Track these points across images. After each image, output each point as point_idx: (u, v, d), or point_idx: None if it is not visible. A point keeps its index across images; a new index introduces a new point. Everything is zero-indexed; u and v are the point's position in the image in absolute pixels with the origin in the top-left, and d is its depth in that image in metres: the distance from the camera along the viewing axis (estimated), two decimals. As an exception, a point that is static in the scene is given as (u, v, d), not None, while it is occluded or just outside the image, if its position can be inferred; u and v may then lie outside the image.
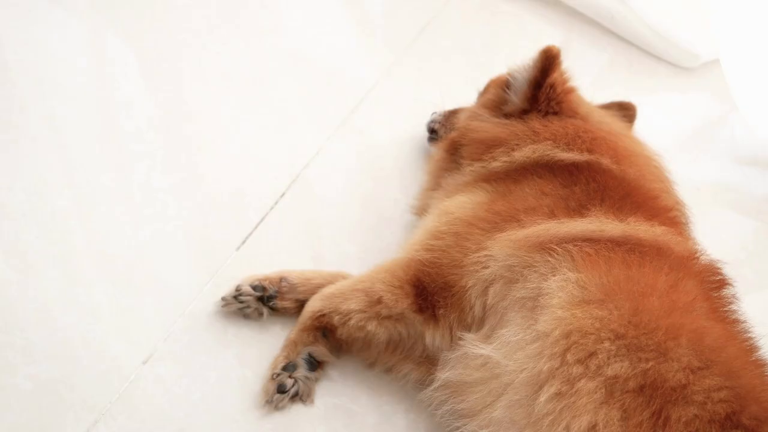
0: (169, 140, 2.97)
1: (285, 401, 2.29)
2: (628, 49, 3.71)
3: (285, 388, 2.28)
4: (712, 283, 2.11)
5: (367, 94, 3.27)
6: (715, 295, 2.09)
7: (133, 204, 2.72)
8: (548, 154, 2.41)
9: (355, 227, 2.79)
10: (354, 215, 2.83)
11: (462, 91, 3.06)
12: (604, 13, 3.74)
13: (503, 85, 2.67)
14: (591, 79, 3.49)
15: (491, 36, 3.65)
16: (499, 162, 2.46)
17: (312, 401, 2.32)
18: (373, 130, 3.15)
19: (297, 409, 2.30)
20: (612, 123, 2.66)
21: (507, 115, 2.61)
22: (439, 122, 2.97)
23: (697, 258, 2.17)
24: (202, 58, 3.30)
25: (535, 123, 2.51)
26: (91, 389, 2.25)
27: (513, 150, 2.46)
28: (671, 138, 3.31)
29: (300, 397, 2.30)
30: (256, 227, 2.72)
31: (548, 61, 2.51)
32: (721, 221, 3.05)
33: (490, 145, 2.52)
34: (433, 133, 2.99)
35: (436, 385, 2.21)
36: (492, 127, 2.58)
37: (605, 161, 2.39)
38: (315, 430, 2.28)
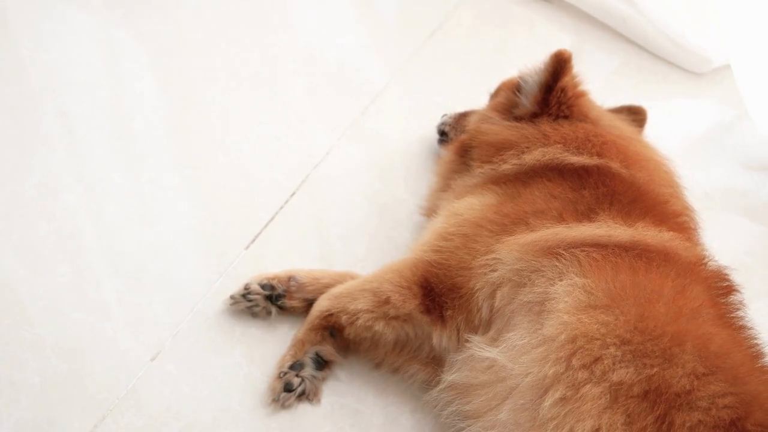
0: (180, 138, 2.98)
1: (291, 400, 2.29)
2: (639, 54, 3.70)
3: (292, 387, 2.29)
4: (720, 289, 2.11)
5: (378, 96, 3.27)
6: (722, 301, 2.08)
7: (143, 201, 2.73)
8: (558, 158, 2.41)
9: (364, 227, 2.79)
10: (363, 215, 2.83)
11: (473, 94, 3.07)
12: (615, 17, 3.73)
13: (514, 88, 2.67)
14: (601, 83, 3.49)
15: (502, 39, 3.65)
16: (508, 165, 2.46)
17: (318, 400, 2.33)
18: (383, 131, 3.15)
19: (303, 408, 2.31)
20: (622, 127, 2.66)
21: (517, 119, 2.60)
22: (450, 125, 2.97)
23: (705, 264, 2.17)
24: (214, 57, 3.30)
25: (546, 126, 2.51)
26: (99, 385, 2.26)
27: (523, 153, 2.46)
28: (681, 143, 3.30)
29: (306, 396, 2.31)
30: (265, 226, 2.73)
31: (559, 64, 2.51)
32: (729, 227, 3.04)
33: (500, 148, 2.52)
34: (443, 136, 2.98)
35: (442, 386, 2.22)
36: (502, 129, 2.57)
37: (615, 165, 2.39)
38: (321, 430, 2.29)
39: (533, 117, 2.57)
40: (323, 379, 2.36)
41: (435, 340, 2.28)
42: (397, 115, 3.22)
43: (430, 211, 2.65)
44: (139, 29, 3.34)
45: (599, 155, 2.41)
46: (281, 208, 2.79)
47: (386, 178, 2.98)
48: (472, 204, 2.40)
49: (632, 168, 2.41)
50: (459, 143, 2.69)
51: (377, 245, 2.74)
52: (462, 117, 2.93)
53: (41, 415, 2.19)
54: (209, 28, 3.43)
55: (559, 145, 2.44)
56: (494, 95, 2.84)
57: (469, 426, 2.09)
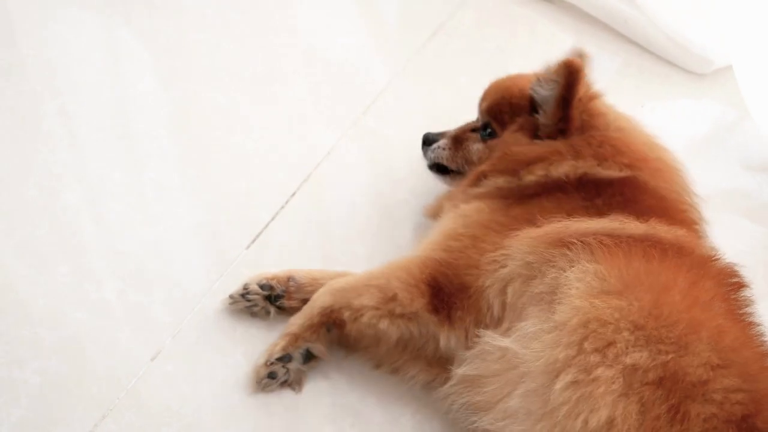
0: (181, 138, 2.98)
1: (273, 386, 2.30)
2: (640, 54, 3.70)
3: (276, 376, 2.30)
4: (730, 285, 2.11)
5: (379, 95, 3.27)
6: (733, 296, 2.08)
7: (144, 201, 2.73)
8: (589, 172, 2.35)
9: (365, 227, 2.79)
10: (364, 215, 2.83)
11: (475, 94, 3.06)
12: (617, 18, 3.73)
13: (527, 105, 2.54)
14: (603, 84, 3.47)
15: (504, 39, 3.65)
16: (533, 176, 2.39)
17: (301, 389, 2.33)
18: (385, 130, 3.15)
19: (304, 408, 2.31)
20: (642, 132, 2.59)
21: (545, 137, 2.49)
22: (447, 158, 2.73)
23: (717, 260, 2.17)
24: (216, 56, 3.30)
25: (575, 140, 2.42)
26: (99, 385, 2.26)
27: (551, 165, 2.39)
28: (683, 144, 3.29)
29: (289, 384, 2.32)
30: (266, 226, 2.72)
31: (572, 76, 2.40)
32: (731, 227, 3.03)
33: (529, 162, 2.43)
34: (441, 169, 2.78)
35: (452, 381, 2.21)
36: (534, 147, 2.47)
37: (642, 176, 2.35)
38: (322, 429, 2.28)
39: (560, 133, 2.47)
40: (308, 370, 2.35)
41: (442, 342, 2.27)
42: (398, 114, 3.22)
43: (435, 213, 2.64)
44: (140, 29, 3.35)
45: (630, 167, 2.36)
46: (282, 207, 2.79)
47: (387, 178, 2.97)
48: (480, 207, 2.38)
49: (656, 179, 2.38)
50: (477, 175, 2.53)
51: (378, 245, 2.74)
52: (457, 145, 2.72)
53: (41, 415, 2.18)
54: (211, 29, 3.43)
55: (591, 159, 2.37)
56: (483, 99, 2.72)
57: (480, 419, 2.08)
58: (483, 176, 2.50)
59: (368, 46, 3.53)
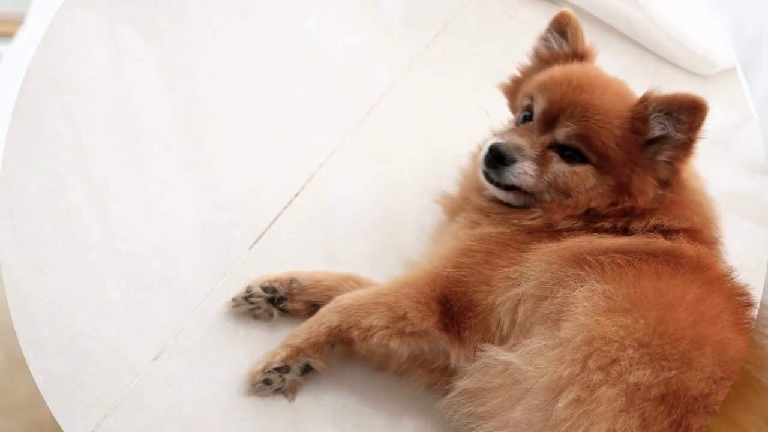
0: (185, 138, 2.98)
1: (267, 392, 2.31)
2: (644, 56, 3.70)
3: (271, 383, 2.30)
4: (740, 303, 2.10)
5: (384, 96, 3.27)
6: (741, 312, 2.08)
7: (147, 200, 2.73)
8: (663, 225, 2.24)
9: (368, 228, 2.79)
10: (367, 216, 2.83)
11: (478, 94, 3.06)
12: (620, 20, 3.72)
13: (633, 136, 2.29)
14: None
15: (507, 40, 3.64)
16: (609, 225, 2.26)
17: (294, 399, 2.33)
18: (388, 131, 3.14)
19: (306, 409, 2.32)
20: (705, 188, 2.48)
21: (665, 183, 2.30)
22: (532, 185, 2.34)
23: (731, 278, 2.16)
24: (220, 56, 3.30)
25: (680, 197, 2.30)
26: (101, 384, 2.27)
27: (637, 218, 2.26)
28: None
29: (283, 392, 2.32)
30: (269, 226, 2.73)
31: (701, 120, 2.22)
32: (733, 229, 3.02)
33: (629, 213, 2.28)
34: (510, 187, 2.38)
35: (454, 393, 2.20)
36: (652, 201, 2.28)
37: (701, 231, 2.29)
38: (324, 430, 2.29)
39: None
40: (304, 381, 2.35)
41: (453, 358, 2.26)
42: (402, 115, 3.22)
43: (450, 209, 2.60)
44: (144, 29, 3.34)
45: (696, 224, 2.28)
46: (285, 208, 2.79)
47: (391, 178, 2.97)
48: (503, 231, 2.32)
49: (709, 232, 2.32)
50: (586, 211, 2.30)
51: (381, 246, 2.74)
52: (542, 168, 2.33)
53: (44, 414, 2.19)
54: (215, 28, 3.42)
55: (674, 217, 2.26)
56: (562, 112, 2.34)
57: (480, 426, 2.08)
58: (589, 213, 2.29)
59: (372, 47, 3.53)
